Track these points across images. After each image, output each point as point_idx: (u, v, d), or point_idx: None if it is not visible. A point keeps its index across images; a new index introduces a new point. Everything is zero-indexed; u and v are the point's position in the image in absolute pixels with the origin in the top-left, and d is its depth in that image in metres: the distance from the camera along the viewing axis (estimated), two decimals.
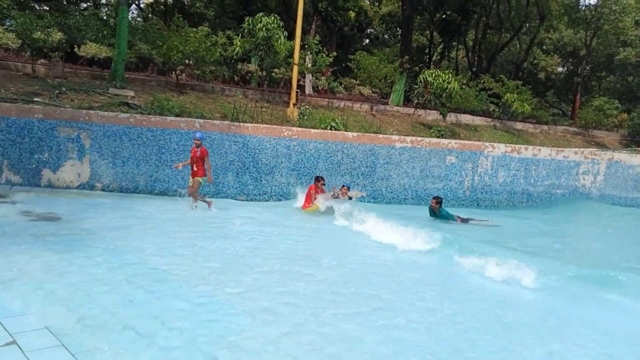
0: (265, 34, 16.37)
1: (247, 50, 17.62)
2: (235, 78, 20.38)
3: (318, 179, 11.86)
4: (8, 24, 16.64)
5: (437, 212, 11.84)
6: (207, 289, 5.29)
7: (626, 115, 25.50)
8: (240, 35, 17.87)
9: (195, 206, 10.59)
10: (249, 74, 19.71)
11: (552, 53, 33.73)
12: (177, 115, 13.09)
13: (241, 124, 13.15)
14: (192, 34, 16.35)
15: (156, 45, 16.14)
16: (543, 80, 34.33)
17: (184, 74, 19.06)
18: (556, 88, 36.62)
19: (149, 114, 12.76)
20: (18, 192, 10.65)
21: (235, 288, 5.42)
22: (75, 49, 17.90)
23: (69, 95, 13.25)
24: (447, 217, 11.74)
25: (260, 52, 16.88)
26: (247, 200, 12.82)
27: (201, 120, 12.68)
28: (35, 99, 12.34)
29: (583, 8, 28.49)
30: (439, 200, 11.93)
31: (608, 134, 24.92)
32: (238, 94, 16.89)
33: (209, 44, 16.72)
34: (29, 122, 11.14)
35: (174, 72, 17.63)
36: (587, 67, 31.88)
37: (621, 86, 30.76)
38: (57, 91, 13.22)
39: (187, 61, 17.47)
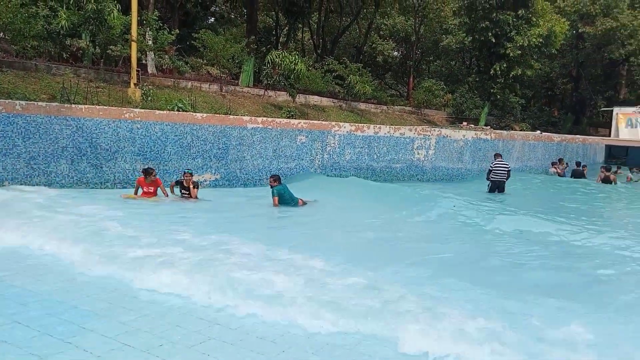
0: (95, 6, 14.79)
1: (76, 24, 15.75)
2: (64, 55, 18.18)
3: (147, 171, 10.73)
4: None
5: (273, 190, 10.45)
6: None
7: (450, 95, 28.82)
8: (65, 7, 15.87)
9: None
10: (81, 51, 17.74)
11: (388, 38, 36.42)
12: None
13: (73, 105, 11.77)
14: (3, 3, 14.09)
15: None
16: (381, 64, 36.97)
17: None
18: (393, 71, 39.81)
19: None
20: None
21: None
22: None
23: None
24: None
25: (91, 27, 15.22)
26: (87, 189, 11.60)
27: (23, 102, 11.03)
28: None
29: None
30: (275, 178, 10.73)
31: (437, 112, 27.93)
32: (68, 73, 15.07)
33: (27, 15, 14.60)
34: None
35: None
36: (418, 52, 35.17)
37: (446, 69, 34.56)
38: None
39: (0, 34, 15.07)
